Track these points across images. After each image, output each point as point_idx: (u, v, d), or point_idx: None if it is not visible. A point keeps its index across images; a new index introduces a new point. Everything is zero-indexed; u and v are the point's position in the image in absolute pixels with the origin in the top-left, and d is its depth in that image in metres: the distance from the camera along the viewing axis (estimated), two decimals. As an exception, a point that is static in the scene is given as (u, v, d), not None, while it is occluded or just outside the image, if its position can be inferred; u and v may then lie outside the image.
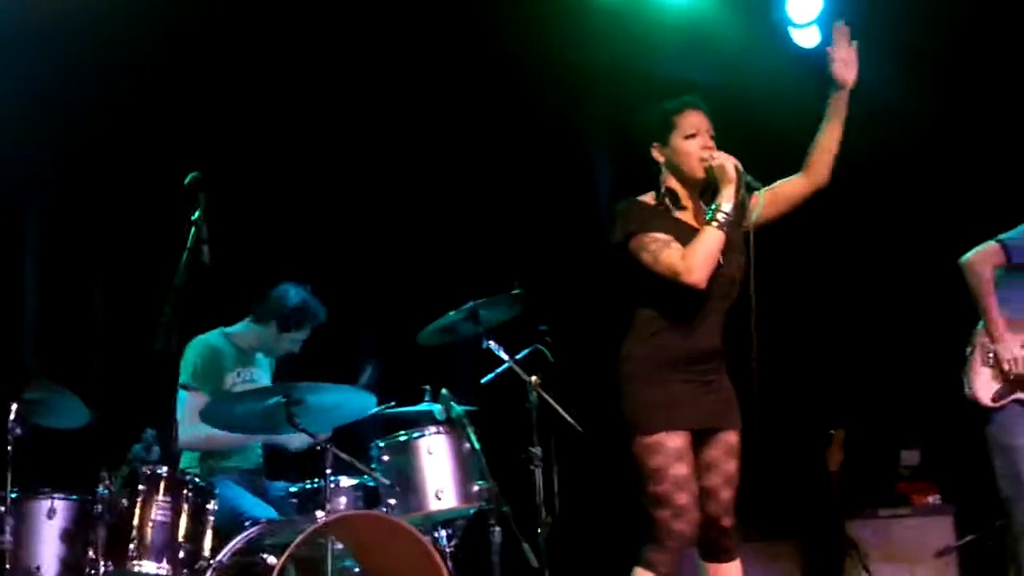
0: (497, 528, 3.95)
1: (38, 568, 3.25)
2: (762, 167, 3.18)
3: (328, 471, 3.57)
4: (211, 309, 4.23)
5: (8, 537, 3.22)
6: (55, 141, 4.73)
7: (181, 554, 3.35)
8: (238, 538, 3.50)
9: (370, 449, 3.94)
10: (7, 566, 3.23)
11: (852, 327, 5.55)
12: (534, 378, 4.07)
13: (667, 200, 3.18)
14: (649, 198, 3.22)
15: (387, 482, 3.80)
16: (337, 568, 3.48)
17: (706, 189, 3.17)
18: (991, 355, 3.99)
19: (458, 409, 4.05)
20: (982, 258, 4.02)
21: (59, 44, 4.53)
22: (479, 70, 5.41)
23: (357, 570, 3.66)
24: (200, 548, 3.42)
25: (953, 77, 5.29)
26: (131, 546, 3.27)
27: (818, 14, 5.25)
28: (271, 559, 3.41)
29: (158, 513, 3.33)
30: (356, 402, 3.76)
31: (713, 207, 3.06)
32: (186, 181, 3.39)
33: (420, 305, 4.43)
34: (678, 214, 3.19)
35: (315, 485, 3.73)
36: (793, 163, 3.30)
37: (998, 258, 4.03)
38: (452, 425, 4.00)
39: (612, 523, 5.12)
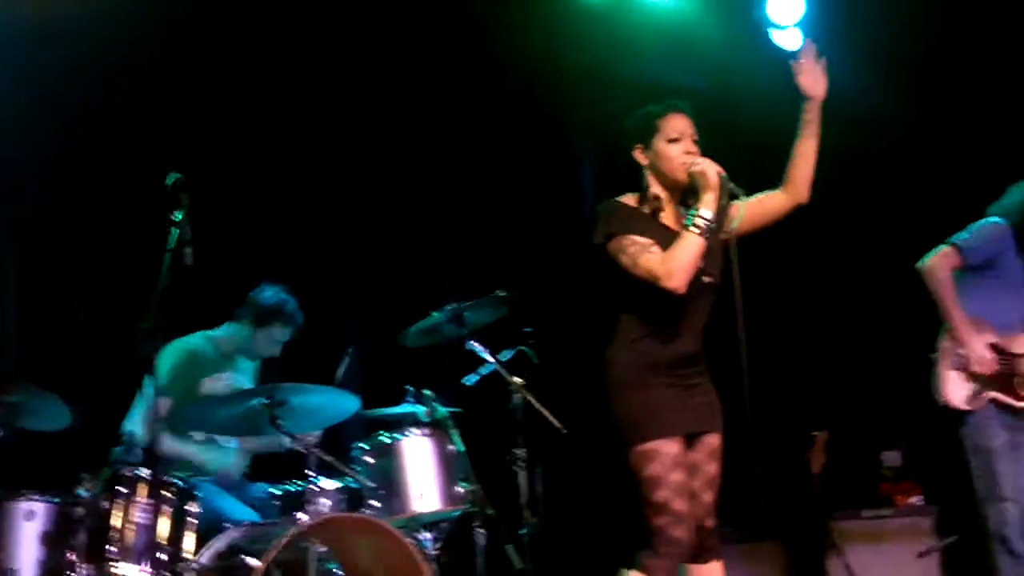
0: (481, 530, 3.95)
1: (16, 571, 3.22)
2: (745, 170, 3.18)
3: (311, 473, 3.56)
4: (195, 311, 4.21)
5: (-14, 539, 3.20)
6: (37, 145, 4.70)
7: (162, 556, 3.33)
8: (219, 540, 3.49)
9: (353, 451, 3.93)
10: (-15, 568, 3.21)
11: (834, 330, 5.58)
12: (518, 380, 4.08)
13: (649, 203, 3.18)
14: (632, 200, 3.22)
15: (370, 484, 3.79)
16: (320, 571, 3.47)
17: (688, 194, 3.16)
18: (959, 358, 4.02)
19: (442, 411, 4.05)
20: (938, 262, 4.05)
21: (36, 47, 4.51)
22: (465, 72, 5.41)
23: (340, 573, 3.65)
24: (181, 550, 3.39)
25: (933, 83, 5.33)
26: (111, 548, 3.25)
27: (800, 17, 5.28)
28: (253, 562, 3.39)
29: (139, 515, 3.31)
30: (339, 403, 3.75)
31: (693, 212, 3.06)
32: (168, 183, 3.37)
33: (404, 306, 4.42)
34: (660, 217, 3.20)
35: (298, 487, 3.72)
36: (776, 166, 3.30)
37: (953, 260, 4.06)
38: (436, 427, 4.00)
39: (596, 525, 5.13)
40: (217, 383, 4.19)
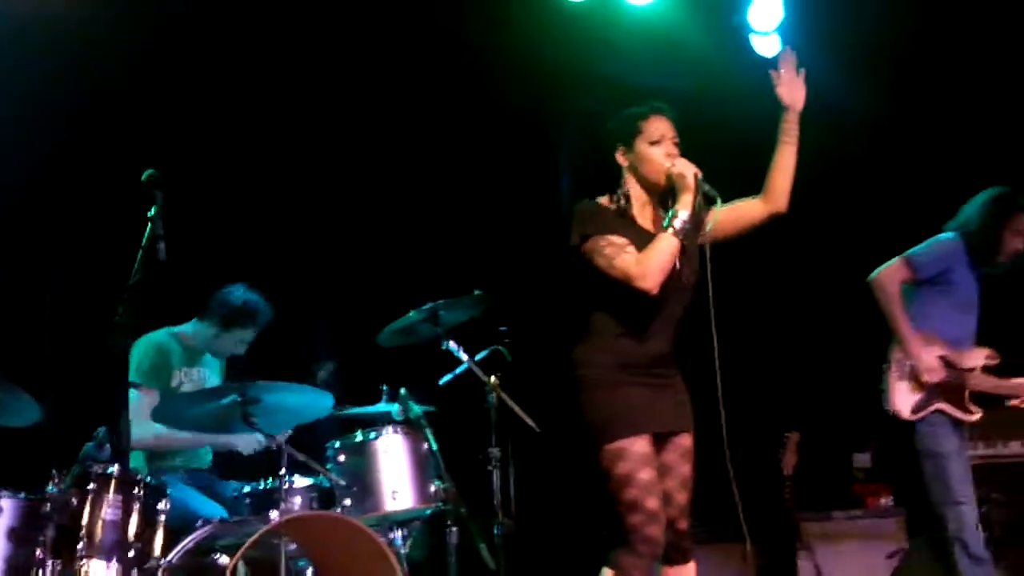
0: (454, 529, 3.95)
1: (-16, 567, 3.19)
2: (725, 173, 3.18)
3: (283, 471, 3.54)
4: (167, 307, 4.18)
5: (-46, 536, 3.16)
6: (6, 139, 4.65)
7: (131, 553, 3.30)
8: (189, 538, 3.47)
9: (326, 449, 3.91)
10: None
11: (807, 332, 5.62)
12: (493, 379, 4.07)
13: (626, 204, 3.19)
14: (607, 200, 3.23)
15: (343, 482, 3.78)
16: (291, 569, 3.46)
17: (667, 196, 3.17)
18: (907, 369, 4.07)
19: (416, 409, 4.04)
20: (888, 275, 4.11)
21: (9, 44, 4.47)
22: (443, 70, 5.40)
23: (311, 571, 3.64)
24: (151, 548, 3.38)
25: (910, 84, 5.37)
26: (80, 545, 3.23)
27: (779, 23, 5.30)
28: (223, 559, 3.38)
29: (108, 512, 3.28)
30: (313, 402, 3.73)
31: (670, 214, 3.07)
32: (142, 178, 3.34)
33: (379, 305, 4.41)
34: (637, 219, 3.20)
35: (270, 485, 3.70)
36: (756, 170, 3.30)
37: (904, 274, 4.11)
38: (410, 425, 4.00)
39: (569, 524, 5.13)
40: (186, 379, 4.17)
